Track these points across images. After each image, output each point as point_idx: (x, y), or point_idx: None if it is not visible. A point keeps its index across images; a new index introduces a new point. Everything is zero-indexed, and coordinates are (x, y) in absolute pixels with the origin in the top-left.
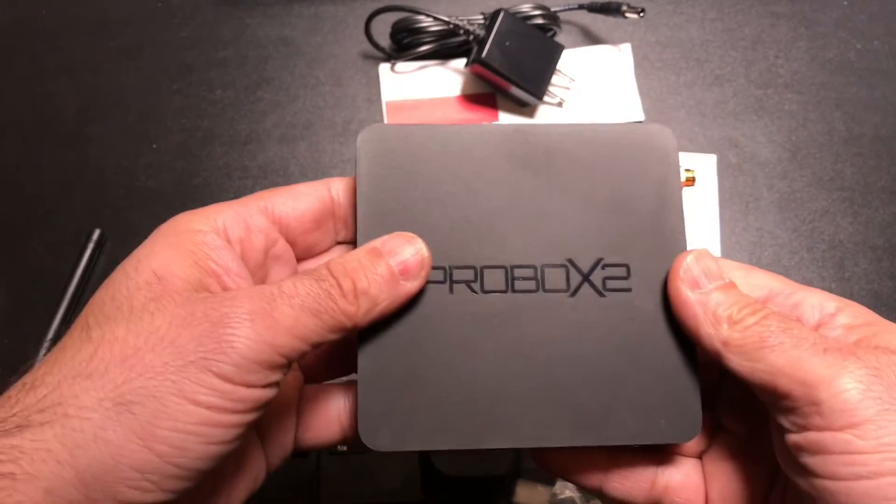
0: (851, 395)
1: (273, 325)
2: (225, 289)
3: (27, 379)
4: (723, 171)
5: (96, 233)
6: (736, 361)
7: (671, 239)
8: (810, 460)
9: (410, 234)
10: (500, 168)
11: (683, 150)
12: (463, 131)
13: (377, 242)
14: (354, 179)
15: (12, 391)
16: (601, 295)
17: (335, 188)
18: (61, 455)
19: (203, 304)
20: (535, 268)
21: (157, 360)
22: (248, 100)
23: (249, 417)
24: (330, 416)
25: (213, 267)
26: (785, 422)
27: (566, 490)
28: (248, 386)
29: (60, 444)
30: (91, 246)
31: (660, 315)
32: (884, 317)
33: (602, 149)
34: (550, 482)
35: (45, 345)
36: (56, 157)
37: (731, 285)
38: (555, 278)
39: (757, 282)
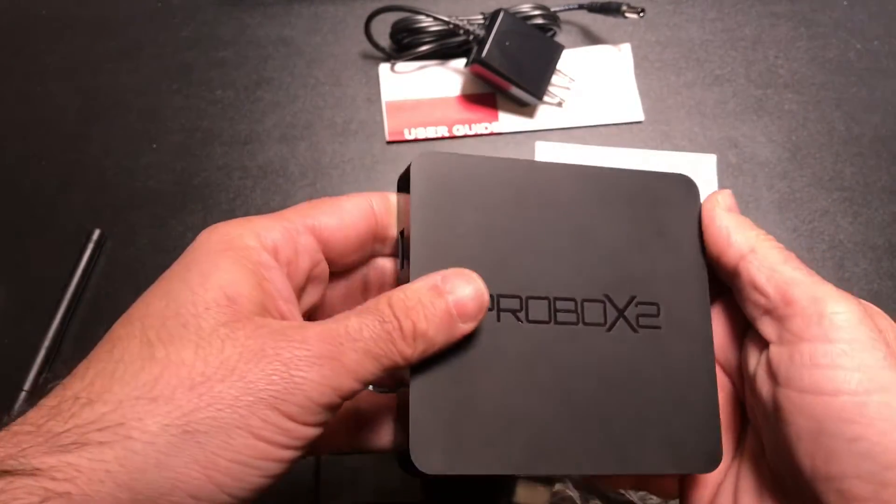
0: (852, 317)
1: (339, 370)
2: (281, 314)
3: (79, 391)
4: (723, 171)
5: (96, 233)
6: (756, 265)
7: (694, 283)
8: (794, 372)
9: (471, 273)
10: (546, 202)
11: (683, 150)
12: (513, 165)
13: (437, 278)
14: (394, 196)
15: (63, 403)
16: (635, 331)
17: (376, 205)
18: (120, 477)
19: (273, 341)
20: (575, 301)
21: (226, 393)
22: (248, 100)
23: (301, 452)
24: (339, 426)
25: (271, 290)
26: (775, 331)
27: (566, 490)
28: (307, 425)
29: (120, 465)
30: (91, 246)
31: (685, 353)
32: None
33: (640, 193)
34: (550, 482)
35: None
36: (56, 157)
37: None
38: (593, 312)
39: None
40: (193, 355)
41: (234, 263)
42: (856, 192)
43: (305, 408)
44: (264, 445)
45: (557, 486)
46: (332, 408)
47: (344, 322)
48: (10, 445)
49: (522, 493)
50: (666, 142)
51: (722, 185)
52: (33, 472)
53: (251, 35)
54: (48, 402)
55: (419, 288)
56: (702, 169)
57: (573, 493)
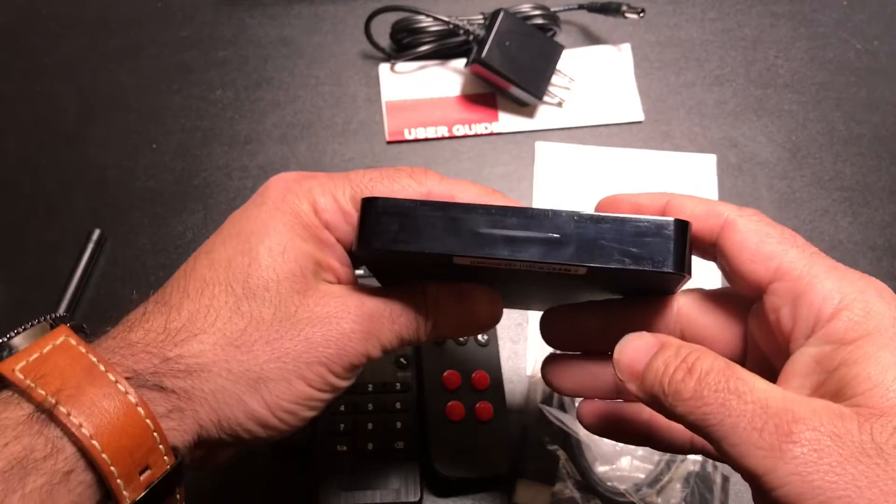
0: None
1: (376, 345)
2: (338, 279)
3: (181, 326)
4: (723, 171)
5: (96, 233)
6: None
7: None
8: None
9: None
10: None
11: (683, 150)
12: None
13: (467, 286)
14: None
15: (168, 331)
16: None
17: (432, 185)
18: (212, 405)
19: (335, 314)
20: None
21: (293, 350)
22: (248, 100)
23: (335, 396)
24: None
25: (332, 264)
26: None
27: (566, 490)
28: (343, 379)
29: (213, 397)
30: (91, 246)
31: None
32: None
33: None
34: (550, 482)
35: None
36: (56, 157)
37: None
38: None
39: (768, 250)
40: (272, 316)
41: (308, 238)
42: (856, 192)
43: (346, 368)
44: (313, 391)
45: (557, 486)
46: (361, 368)
47: (389, 305)
48: (140, 361)
49: (522, 493)
50: (666, 142)
51: (722, 185)
52: (162, 389)
53: (251, 35)
54: (154, 324)
55: (448, 292)
56: (702, 169)
57: (574, 494)
